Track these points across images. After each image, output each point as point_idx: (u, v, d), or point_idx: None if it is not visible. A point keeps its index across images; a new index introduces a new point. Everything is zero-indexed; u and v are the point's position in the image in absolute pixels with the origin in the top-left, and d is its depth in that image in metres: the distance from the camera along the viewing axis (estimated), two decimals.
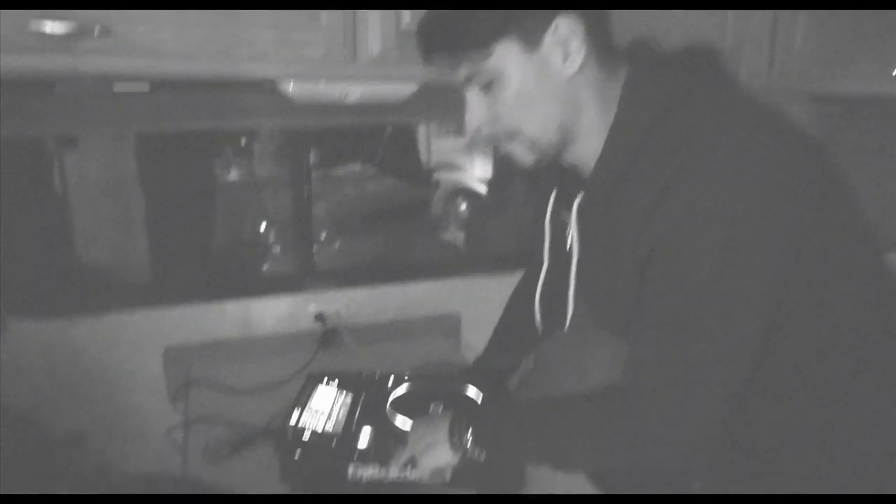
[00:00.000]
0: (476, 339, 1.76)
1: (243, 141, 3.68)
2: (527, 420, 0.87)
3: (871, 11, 1.15)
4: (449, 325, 1.76)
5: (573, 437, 0.82)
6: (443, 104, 1.34)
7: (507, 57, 0.74)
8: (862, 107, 1.72)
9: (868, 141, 1.76)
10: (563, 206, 0.89)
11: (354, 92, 1.19)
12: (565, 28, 0.73)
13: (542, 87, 0.75)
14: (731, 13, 1.19)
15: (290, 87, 1.13)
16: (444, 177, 4.52)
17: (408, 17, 0.97)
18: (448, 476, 0.94)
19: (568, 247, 0.88)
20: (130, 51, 0.87)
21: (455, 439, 0.90)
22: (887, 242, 1.41)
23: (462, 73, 0.77)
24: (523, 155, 0.80)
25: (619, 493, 1.03)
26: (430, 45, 0.78)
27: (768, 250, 0.68)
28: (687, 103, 0.72)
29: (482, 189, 4.67)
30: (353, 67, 0.98)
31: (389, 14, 0.97)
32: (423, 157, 4.44)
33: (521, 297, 1.18)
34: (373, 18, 0.96)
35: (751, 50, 1.22)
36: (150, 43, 0.88)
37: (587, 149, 0.79)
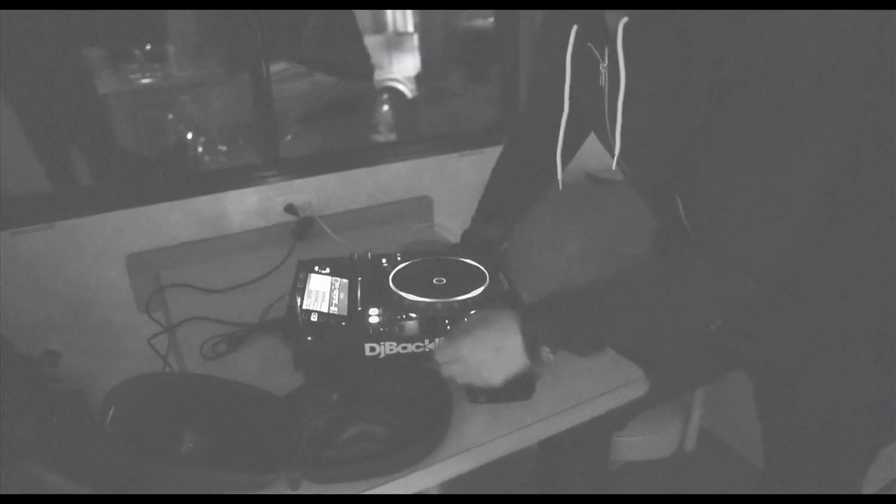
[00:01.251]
0: (447, 220, 1.74)
1: (148, 46, 3.42)
2: (599, 308, 0.78)
3: None
4: (422, 207, 1.71)
5: (643, 310, 0.76)
6: None
7: None
8: None
9: None
10: (588, 39, 0.81)
11: None
12: None
13: None
14: None
15: None
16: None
17: None
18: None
19: (602, 81, 0.81)
20: None
21: (533, 353, 0.80)
22: None
23: None
24: None
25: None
26: None
27: (861, 74, 0.62)
28: None
29: (405, 87, 4.54)
30: None
31: None
32: (346, 53, 4.23)
33: (519, 160, 1.13)
34: None
35: None
36: None
37: None
